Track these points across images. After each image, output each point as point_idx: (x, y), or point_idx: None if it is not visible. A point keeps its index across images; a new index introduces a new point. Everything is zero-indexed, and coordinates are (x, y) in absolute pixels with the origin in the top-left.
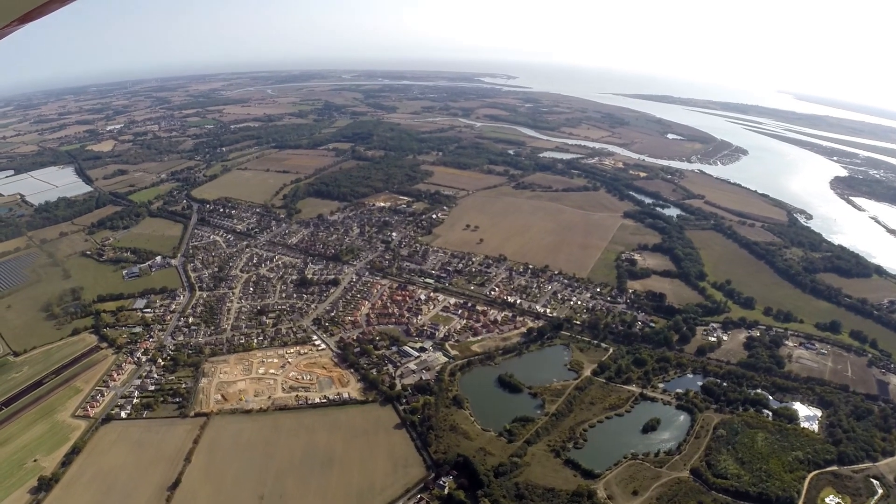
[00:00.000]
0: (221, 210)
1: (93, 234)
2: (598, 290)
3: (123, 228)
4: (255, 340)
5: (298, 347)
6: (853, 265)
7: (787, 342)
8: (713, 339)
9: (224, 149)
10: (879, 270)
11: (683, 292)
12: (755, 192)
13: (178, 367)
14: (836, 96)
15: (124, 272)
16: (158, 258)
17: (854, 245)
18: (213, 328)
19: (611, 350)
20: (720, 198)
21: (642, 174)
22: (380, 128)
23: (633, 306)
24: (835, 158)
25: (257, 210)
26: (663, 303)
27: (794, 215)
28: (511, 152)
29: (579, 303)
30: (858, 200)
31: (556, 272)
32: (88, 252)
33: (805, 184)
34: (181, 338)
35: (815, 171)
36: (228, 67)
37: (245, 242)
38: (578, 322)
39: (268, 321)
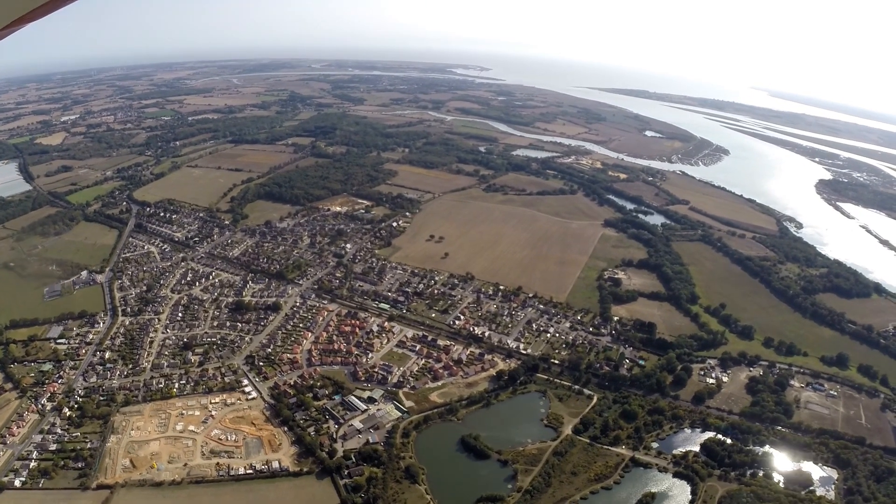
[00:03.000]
0: (162, 214)
1: (22, 240)
2: (579, 317)
3: (55, 234)
4: (177, 385)
5: (225, 395)
6: (852, 284)
7: (792, 382)
8: (712, 380)
9: (178, 143)
10: (879, 289)
11: (675, 319)
12: (741, 196)
13: (84, 420)
14: (811, 94)
15: (45, 290)
16: (84, 273)
17: (848, 259)
18: (131, 366)
19: (595, 398)
20: (706, 203)
21: (622, 176)
22: (344, 121)
23: (619, 339)
24: (816, 159)
25: (201, 214)
26: (653, 334)
27: (784, 224)
28: (482, 150)
29: (557, 335)
30: (846, 206)
31: (530, 295)
32: (12, 264)
33: (790, 187)
34: (94, 379)
35: (798, 174)
36: (198, 56)
37: (182, 255)
38: (557, 361)
39: (193, 359)
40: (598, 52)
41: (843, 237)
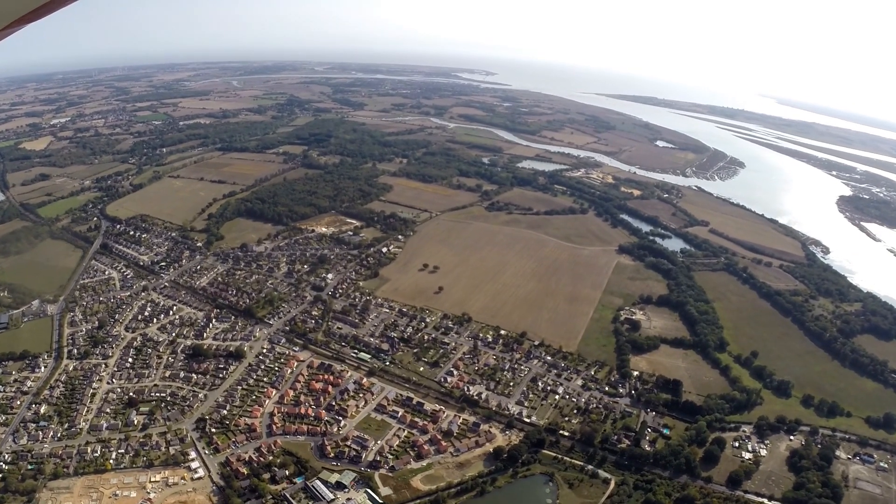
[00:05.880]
0: (132, 233)
1: None
2: (593, 372)
3: (16, 254)
4: (115, 454)
5: (168, 472)
6: (891, 323)
7: (838, 452)
8: (748, 454)
9: (164, 150)
10: None
11: (702, 373)
12: (762, 216)
13: (7, 496)
14: (819, 102)
15: None
16: (35, 303)
17: (881, 290)
18: (66, 426)
19: (612, 483)
20: (726, 225)
21: (636, 192)
22: (341, 128)
23: (640, 400)
24: (833, 173)
25: (173, 234)
26: (679, 395)
27: (811, 248)
28: (486, 161)
29: (567, 396)
30: (870, 227)
31: (535, 343)
32: None
33: (811, 205)
34: (24, 440)
35: (817, 189)
36: (201, 57)
37: (144, 283)
38: (567, 433)
39: (137, 420)
40: (602, 57)
41: (873, 263)
